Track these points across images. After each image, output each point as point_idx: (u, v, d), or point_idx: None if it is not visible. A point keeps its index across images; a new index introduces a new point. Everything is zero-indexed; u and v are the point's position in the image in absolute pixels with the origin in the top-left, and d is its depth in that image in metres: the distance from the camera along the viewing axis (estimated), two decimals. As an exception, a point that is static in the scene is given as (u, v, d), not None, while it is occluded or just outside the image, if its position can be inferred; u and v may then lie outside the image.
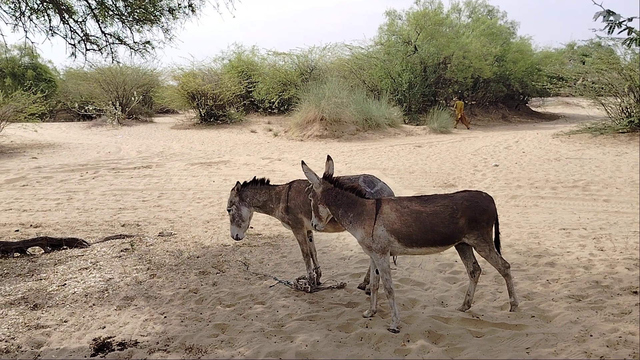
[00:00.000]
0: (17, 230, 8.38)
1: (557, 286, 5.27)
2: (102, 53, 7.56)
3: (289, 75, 29.63)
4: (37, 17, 7.62)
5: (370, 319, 4.64)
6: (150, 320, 4.80)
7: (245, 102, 30.29)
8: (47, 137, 24.43)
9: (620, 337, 4.02)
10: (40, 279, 5.94)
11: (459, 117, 25.25)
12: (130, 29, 7.79)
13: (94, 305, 5.19)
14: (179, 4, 7.23)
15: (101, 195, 11.35)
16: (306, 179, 4.99)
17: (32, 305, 5.17)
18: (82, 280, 5.88)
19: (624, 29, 3.24)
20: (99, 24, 7.41)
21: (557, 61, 24.88)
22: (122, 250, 7.01)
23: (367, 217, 4.43)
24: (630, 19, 3.17)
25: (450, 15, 29.99)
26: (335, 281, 5.66)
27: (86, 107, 31.86)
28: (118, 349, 4.21)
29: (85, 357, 4.12)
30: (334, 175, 4.65)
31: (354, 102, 22.31)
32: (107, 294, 5.47)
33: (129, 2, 7.49)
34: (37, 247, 7.16)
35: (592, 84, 19.08)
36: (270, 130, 24.97)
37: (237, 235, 5.47)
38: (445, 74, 27.05)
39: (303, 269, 6.11)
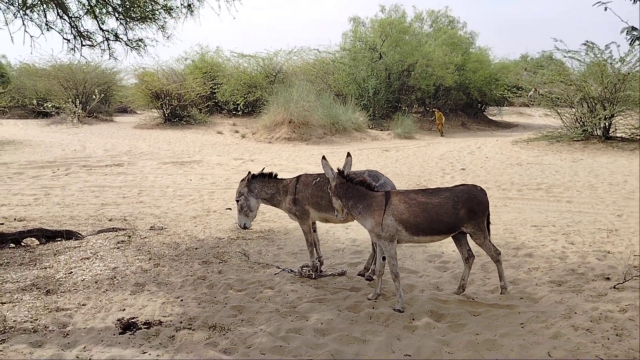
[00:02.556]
0: (2, 224, 8.36)
1: (538, 273, 5.81)
2: (99, 49, 7.69)
3: (254, 77, 29.80)
4: (32, 12, 7.68)
5: (375, 301, 5.03)
6: (167, 303, 5.03)
7: (209, 103, 30.23)
8: (5, 134, 23.77)
9: (601, 314, 4.56)
10: (45, 268, 6.05)
11: (440, 125, 25.94)
12: (125, 26, 7.95)
13: (107, 290, 5.38)
14: (181, 3, 7.45)
15: (79, 192, 11.34)
16: (312, 173, 5.50)
17: (45, 291, 5.30)
18: (87, 268, 6.03)
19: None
20: (97, 20, 7.54)
21: (513, 72, 26.01)
22: (118, 242, 7.15)
23: (377, 208, 4.83)
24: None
25: (413, 24, 30.91)
26: (336, 269, 6.03)
27: (44, 105, 31.01)
28: (145, 328, 4.44)
29: (115, 335, 4.33)
30: (349, 171, 5.03)
31: (322, 106, 22.76)
32: (116, 281, 5.66)
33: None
34: (32, 238, 7.21)
35: (549, 94, 20.17)
36: (237, 132, 25.09)
37: (244, 224, 5.79)
38: (409, 81, 27.87)
39: (301, 259, 6.47)
